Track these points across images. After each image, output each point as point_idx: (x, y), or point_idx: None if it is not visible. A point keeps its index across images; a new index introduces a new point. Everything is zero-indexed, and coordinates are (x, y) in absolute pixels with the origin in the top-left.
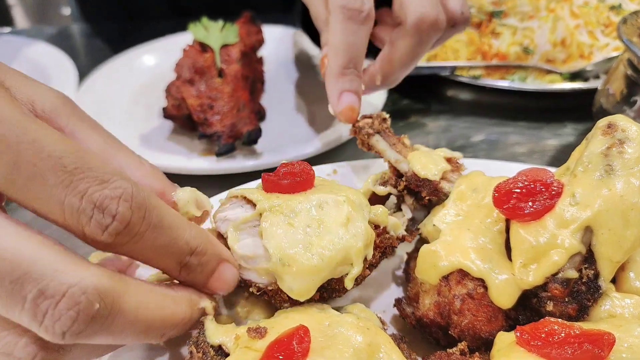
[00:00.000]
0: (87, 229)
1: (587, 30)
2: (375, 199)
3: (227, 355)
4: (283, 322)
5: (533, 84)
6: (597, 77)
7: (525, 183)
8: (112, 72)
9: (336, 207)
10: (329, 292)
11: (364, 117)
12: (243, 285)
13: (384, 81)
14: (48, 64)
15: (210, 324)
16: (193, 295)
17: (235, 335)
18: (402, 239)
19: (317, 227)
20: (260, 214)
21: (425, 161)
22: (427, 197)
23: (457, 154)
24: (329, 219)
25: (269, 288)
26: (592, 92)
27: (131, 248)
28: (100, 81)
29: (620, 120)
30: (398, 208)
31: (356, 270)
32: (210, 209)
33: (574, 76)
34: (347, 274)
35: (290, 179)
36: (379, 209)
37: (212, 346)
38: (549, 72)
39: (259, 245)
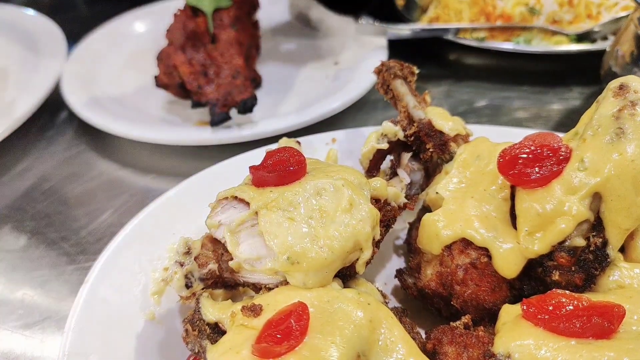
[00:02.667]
0: None
1: None
2: (377, 156)
3: (224, 332)
4: (279, 299)
5: (539, 46)
6: (605, 38)
7: (532, 148)
8: (102, 40)
9: (336, 193)
10: (340, 277)
11: (394, 60)
12: (252, 289)
13: None
14: (37, 32)
15: (206, 302)
16: None
17: (231, 313)
18: (403, 208)
19: (320, 217)
20: (257, 213)
21: (444, 115)
22: (430, 151)
23: (470, 131)
24: (330, 207)
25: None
26: (600, 54)
27: None
28: (90, 50)
29: (633, 81)
30: (394, 173)
31: (367, 254)
32: None
33: (581, 37)
34: (357, 259)
35: (282, 169)
36: (377, 182)
37: (208, 324)
38: (555, 33)
39: (262, 246)
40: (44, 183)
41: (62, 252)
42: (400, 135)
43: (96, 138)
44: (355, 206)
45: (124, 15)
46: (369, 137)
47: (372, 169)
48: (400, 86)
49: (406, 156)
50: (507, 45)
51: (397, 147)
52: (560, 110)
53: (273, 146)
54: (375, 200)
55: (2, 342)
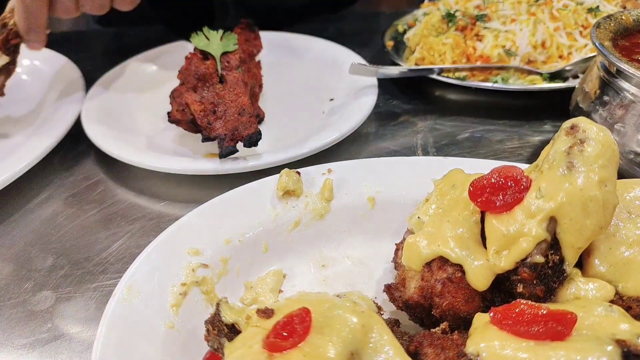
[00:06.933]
0: None
1: (566, 32)
2: None
3: (239, 332)
4: (288, 305)
5: (515, 84)
6: (575, 76)
7: (497, 179)
8: (117, 78)
9: None
10: None
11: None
12: None
13: None
14: (55, 71)
15: (225, 306)
16: None
17: (246, 316)
18: None
19: None
20: None
21: None
22: None
23: None
24: None
25: None
26: (570, 90)
27: None
28: (106, 87)
29: (582, 122)
30: None
31: None
32: None
33: (554, 76)
34: None
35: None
36: None
37: (226, 325)
38: (530, 72)
39: None
40: (67, 209)
41: (85, 272)
42: None
43: (112, 168)
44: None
45: (136, 57)
46: None
47: None
48: None
49: None
50: (487, 84)
51: None
52: (535, 142)
53: (275, 177)
54: None
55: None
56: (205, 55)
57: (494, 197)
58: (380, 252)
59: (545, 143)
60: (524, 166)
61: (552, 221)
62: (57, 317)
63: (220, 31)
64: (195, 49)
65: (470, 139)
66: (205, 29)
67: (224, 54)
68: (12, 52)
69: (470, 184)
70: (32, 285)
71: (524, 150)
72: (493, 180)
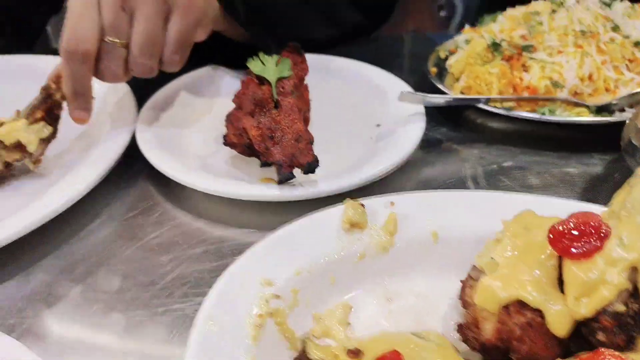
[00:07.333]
0: None
1: (612, 65)
2: None
3: None
4: (375, 346)
5: (562, 116)
6: (622, 110)
7: (577, 225)
8: (166, 99)
9: None
10: None
11: None
12: None
13: None
14: (105, 90)
15: (311, 344)
16: None
17: (333, 355)
18: None
19: None
20: None
21: None
22: None
23: None
24: None
25: None
26: (618, 124)
27: None
28: (156, 108)
29: None
30: None
31: None
32: None
33: (600, 109)
34: None
35: None
36: None
37: None
38: (576, 104)
39: None
40: (128, 230)
41: (152, 295)
42: None
43: (168, 190)
44: None
45: (185, 75)
46: None
47: None
48: None
49: None
50: (535, 115)
51: None
52: (582, 174)
53: (338, 208)
54: None
55: None
56: (261, 80)
57: (574, 243)
58: (444, 288)
59: (593, 177)
60: (595, 208)
61: (634, 270)
62: (128, 340)
63: (275, 56)
64: (251, 73)
65: (519, 169)
66: (261, 54)
67: (279, 79)
68: (54, 121)
69: (550, 230)
70: (101, 307)
71: (572, 183)
72: (572, 226)
